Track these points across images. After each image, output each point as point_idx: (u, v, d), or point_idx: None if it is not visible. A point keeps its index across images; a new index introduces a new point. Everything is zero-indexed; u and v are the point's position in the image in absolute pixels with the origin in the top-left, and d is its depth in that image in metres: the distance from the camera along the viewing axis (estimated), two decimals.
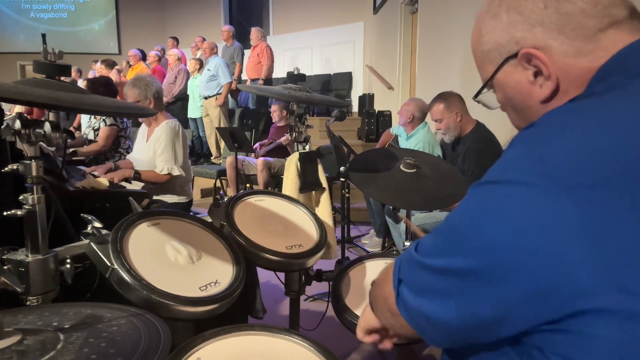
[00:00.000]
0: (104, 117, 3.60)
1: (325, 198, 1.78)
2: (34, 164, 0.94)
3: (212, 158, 6.44)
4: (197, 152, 6.84)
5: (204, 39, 7.43)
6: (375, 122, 5.87)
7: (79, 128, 6.36)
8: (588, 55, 0.61)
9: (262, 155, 4.82)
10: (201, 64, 6.66)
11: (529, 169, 0.51)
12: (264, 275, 1.75)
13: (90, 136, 3.77)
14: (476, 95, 0.78)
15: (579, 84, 0.62)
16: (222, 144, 5.92)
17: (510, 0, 0.66)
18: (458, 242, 0.56)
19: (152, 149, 2.72)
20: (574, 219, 0.47)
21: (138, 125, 3.35)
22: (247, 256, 1.22)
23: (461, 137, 2.83)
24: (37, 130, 0.92)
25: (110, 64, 6.52)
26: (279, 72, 7.81)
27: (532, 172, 0.51)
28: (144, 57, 7.69)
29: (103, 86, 3.73)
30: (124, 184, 2.63)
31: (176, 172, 2.68)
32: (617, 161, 0.49)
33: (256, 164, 4.61)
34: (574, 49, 0.62)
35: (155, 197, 2.72)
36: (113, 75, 6.50)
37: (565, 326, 0.49)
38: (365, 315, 0.89)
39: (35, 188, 0.95)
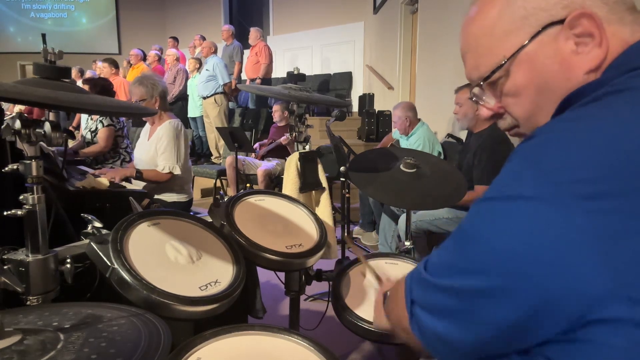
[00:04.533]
0: (101, 119, 3.61)
1: (325, 198, 1.78)
2: (34, 163, 0.94)
3: (212, 158, 6.43)
4: (197, 152, 6.84)
5: (203, 38, 7.42)
6: (376, 122, 5.87)
7: (78, 128, 6.35)
8: (628, 25, 0.61)
9: (262, 155, 4.82)
10: (200, 64, 6.65)
11: (535, 181, 0.50)
12: (264, 275, 1.75)
13: (87, 137, 3.77)
14: (487, 79, 0.69)
15: (608, 62, 0.61)
16: (222, 144, 5.92)
17: None
18: (468, 260, 0.55)
19: (154, 148, 2.73)
20: (583, 229, 0.47)
21: (139, 124, 3.35)
22: (247, 256, 1.22)
23: (474, 132, 2.85)
24: (37, 130, 0.92)
25: (114, 63, 6.50)
26: (279, 72, 7.82)
27: (538, 185, 0.50)
28: (145, 57, 7.69)
29: (102, 88, 3.76)
30: (124, 183, 2.64)
31: (177, 171, 2.69)
32: (624, 169, 0.48)
33: (256, 165, 4.61)
34: (618, 18, 0.61)
35: (155, 197, 2.73)
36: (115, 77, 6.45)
37: (574, 336, 0.48)
38: (378, 318, 0.91)
39: (35, 188, 0.95)
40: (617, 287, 0.46)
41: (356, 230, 4.09)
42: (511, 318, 0.52)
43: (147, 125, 2.93)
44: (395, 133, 4.09)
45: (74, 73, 7.59)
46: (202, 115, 6.54)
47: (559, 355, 0.50)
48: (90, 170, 2.72)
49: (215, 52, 6.43)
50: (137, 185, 2.75)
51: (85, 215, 1.06)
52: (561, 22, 0.61)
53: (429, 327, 0.61)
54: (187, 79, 6.89)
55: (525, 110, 0.68)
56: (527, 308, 0.50)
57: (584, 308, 0.47)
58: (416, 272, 0.65)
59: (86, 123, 3.91)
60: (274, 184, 4.44)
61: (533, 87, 0.65)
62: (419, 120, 3.78)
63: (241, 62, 6.92)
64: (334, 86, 8.78)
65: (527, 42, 0.63)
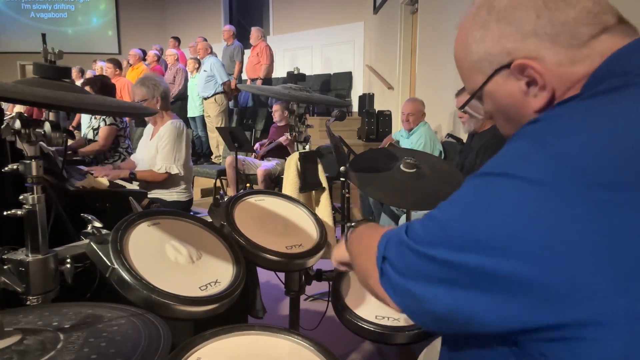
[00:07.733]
0: (104, 117, 3.62)
1: (325, 198, 1.78)
2: (34, 163, 0.94)
3: (212, 158, 6.44)
4: (197, 152, 6.84)
5: (205, 40, 7.42)
6: (375, 122, 5.87)
7: (78, 127, 6.34)
8: (584, 60, 0.61)
9: (262, 155, 4.82)
10: (199, 64, 6.66)
11: (538, 164, 0.50)
12: (264, 275, 1.75)
13: (90, 136, 3.78)
14: (463, 107, 0.76)
15: (577, 89, 0.61)
16: (222, 144, 5.92)
17: (500, 11, 0.64)
18: (455, 235, 0.54)
19: (155, 147, 2.75)
20: (584, 219, 0.46)
21: (142, 125, 3.36)
22: (247, 256, 1.22)
23: (477, 132, 2.82)
24: (37, 130, 0.92)
25: (117, 64, 6.48)
26: (279, 72, 7.81)
27: (541, 168, 0.49)
28: (145, 57, 7.68)
29: (101, 84, 3.77)
30: (123, 183, 2.64)
31: (174, 170, 2.70)
32: (630, 162, 0.48)
33: (256, 165, 4.61)
34: (569, 58, 0.61)
35: (154, 195, 2.74)
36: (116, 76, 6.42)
37: (569, 332, 0.47)
38: (340, 252, 0.98)
39: (35, 188, 0.95)
40: (614, 280, 0.45)
41: None
42: (492, 296, 0.50)
43: (150, 126, 2.96)
44: (395, 134, 4.10)
45: (74, 73, 7.58)
46: (202, 115, 6.55)
47: (552, 351, 0.49)
48: (85, 169, 2.72)
49: (211, 52, 6.43)
50: (137, 185, 2.76)
51: (85, 215, 1.06)
52: (509, 66, 0.64)
53: (401, 284, 0.60)
54: (186, 79, 6.89)
55: (504, 129, 0.75)
56: (512, 292, 0.49)
57: (576, 300, 0.46)
58: (395, 233, 0.64)
59: (89, 122, 3.92)
60: (274, 184, 4.44)
61: (501, 114, 0.72)
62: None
63: (242, 62, 6.92)
64: (334, 86, 8.77)
65: (484, 83, 0.69)
